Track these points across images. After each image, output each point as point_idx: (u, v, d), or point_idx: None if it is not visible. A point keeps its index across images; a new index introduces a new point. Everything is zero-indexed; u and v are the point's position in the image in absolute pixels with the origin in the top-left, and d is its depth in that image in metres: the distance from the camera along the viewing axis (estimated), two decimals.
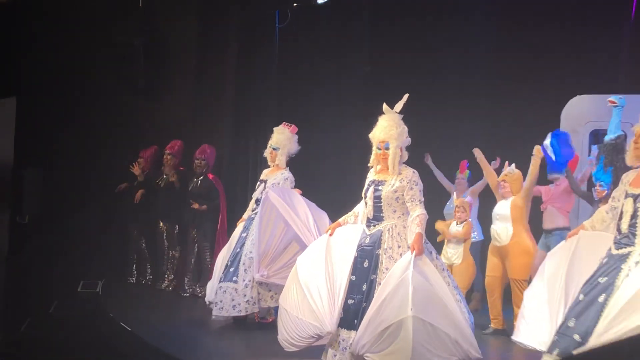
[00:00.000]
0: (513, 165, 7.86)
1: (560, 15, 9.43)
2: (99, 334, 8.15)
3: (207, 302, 8.04)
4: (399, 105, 6.14)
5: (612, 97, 7.87)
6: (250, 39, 10.35)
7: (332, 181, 10.05)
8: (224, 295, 7.69)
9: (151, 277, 10.23)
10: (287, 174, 8.14)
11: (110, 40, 10.52)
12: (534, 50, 9.45)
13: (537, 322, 5.51)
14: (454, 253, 8.00)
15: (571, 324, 4.93)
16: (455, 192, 9.16)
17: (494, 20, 9.76)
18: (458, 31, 9.84)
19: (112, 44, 10.52)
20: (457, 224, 8.11)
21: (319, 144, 9.91)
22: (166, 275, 9.93)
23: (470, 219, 8.25)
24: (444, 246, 8.11)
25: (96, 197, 10.39)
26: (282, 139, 8.16)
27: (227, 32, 10.31)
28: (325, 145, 10.11)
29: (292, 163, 8.29)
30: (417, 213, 5.91)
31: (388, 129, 6.07)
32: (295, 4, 9.94)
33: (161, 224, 9.97)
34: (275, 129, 8.27)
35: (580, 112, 9.17)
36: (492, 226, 7.79)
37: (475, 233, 8.83)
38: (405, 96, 6.14)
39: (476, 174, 8.84)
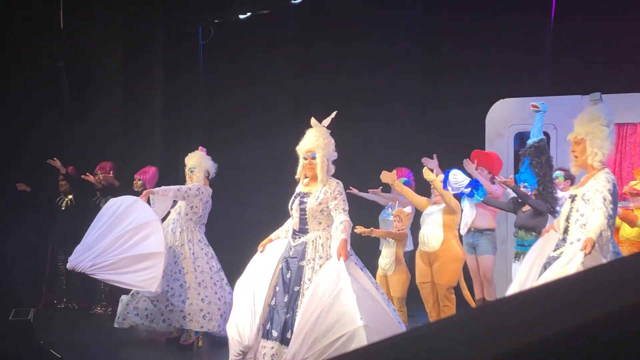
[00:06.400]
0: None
1: (481, 20, 9.54)
2: None
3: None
4: (326, 121, 6.19)
5: (535, 102, 7.73)
6: (174, 56, 10.30)
7: (262, 195, 10.01)
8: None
9: (82, 301, 9.91)
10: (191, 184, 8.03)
11: (34, 62, 10.37)
12: (456, 56, 9.54)
13: None
14: (387, 262, 7.70)
15: None
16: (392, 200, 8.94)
17: (417, 27, 9.84)
18: (382, 39, 9.91)
19: (36, 66, 10.36)
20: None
21: (247, 157, 9.88)
22: (98, 298, 9.65)
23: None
24: (380, 257, 7.89)
25: (26, 223, 10.21)
26: (198, 160, 8.08)
27: (151, 50, 10.24)
28: (253, 159, 10.09)
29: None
30: (341, 219, 5.89)
31: (315, 139, 6.10)
32: (216, 20, 9.91)
33: None
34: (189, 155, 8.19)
35: (504, 116, 9.25)
36: (422, 231, 7.56)
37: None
38: (334, 113, 6.19)
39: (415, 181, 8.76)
